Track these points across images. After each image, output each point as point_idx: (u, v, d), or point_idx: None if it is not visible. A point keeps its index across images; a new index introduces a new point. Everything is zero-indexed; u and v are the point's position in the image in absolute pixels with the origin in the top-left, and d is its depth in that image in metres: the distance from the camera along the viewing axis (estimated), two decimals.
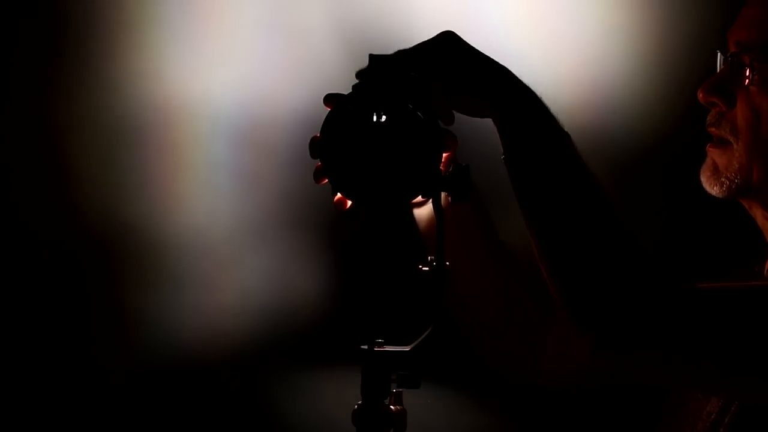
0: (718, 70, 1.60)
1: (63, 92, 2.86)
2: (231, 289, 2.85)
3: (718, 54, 1.60)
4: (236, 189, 2.85)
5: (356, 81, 1.49)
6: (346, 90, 1.50)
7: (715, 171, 1.60)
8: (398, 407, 1.49)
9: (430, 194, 1.50)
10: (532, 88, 1.49)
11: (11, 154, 2.86)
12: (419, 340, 1.53)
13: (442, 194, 1.48)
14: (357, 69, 1.48)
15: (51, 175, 2.86)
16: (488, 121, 1.57)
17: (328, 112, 1.49)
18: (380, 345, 1.50)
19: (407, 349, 1.52)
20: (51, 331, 2.87)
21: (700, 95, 1.61)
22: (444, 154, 1.49)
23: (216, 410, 2.86)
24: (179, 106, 2.86)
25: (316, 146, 1.47)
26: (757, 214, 1.61)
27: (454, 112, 1.49)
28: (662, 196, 2.81)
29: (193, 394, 2.86)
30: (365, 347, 1.48)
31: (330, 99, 1.48)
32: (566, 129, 1.50)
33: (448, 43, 1.46)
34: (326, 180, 1.53)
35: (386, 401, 1.49)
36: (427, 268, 1.52)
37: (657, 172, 2.81)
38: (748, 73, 1.55)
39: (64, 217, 2.86)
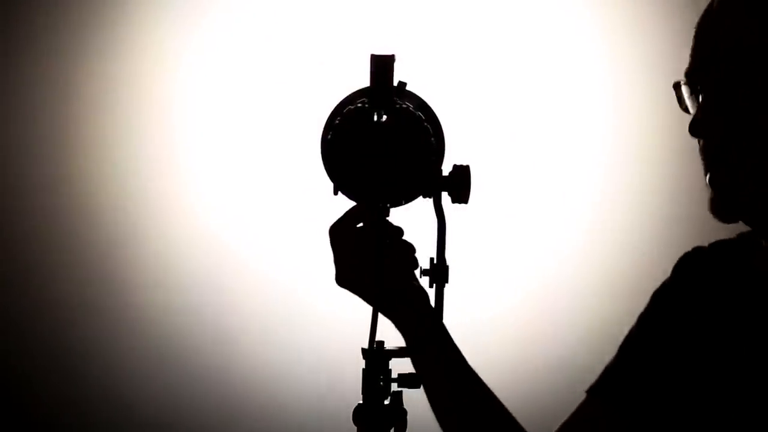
0: None
1: (65, 92, 2.85)
2: (231, 289, 2.85)
3: None
4: (239, 189, 2.85)
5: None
6: (346, 91, 1.51)
7: None
8: (398, 407, 1.49)
9: (430, 194, 1.50)
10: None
11: (12, 153, 2.86)
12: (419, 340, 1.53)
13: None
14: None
15: (55, 175, 2.86)
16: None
17: (329, 112, 1.50)
18: (380, 345, 1.50)
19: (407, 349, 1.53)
20: (52, 330, 2.87)
21: None
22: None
23: (216, 409, 2.86)
24: (181, 106, 2.86)
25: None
26: None
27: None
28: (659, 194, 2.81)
29: (192, 394, 2.86)
30: (365, 347, 1.48)
31: None
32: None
33: None
34: None
35: (386, 401, 1.49)
36: (427, 268, 1.52)
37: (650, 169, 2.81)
38: None
39: (64, 216, 2.86)
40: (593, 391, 1.67)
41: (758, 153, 1.46)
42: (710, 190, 1.50)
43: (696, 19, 1.54)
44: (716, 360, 1.56)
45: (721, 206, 1.50)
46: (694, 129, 1.50)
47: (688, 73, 1.53)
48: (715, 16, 1.51)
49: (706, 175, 1.50)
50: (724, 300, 1.59)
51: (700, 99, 1.50)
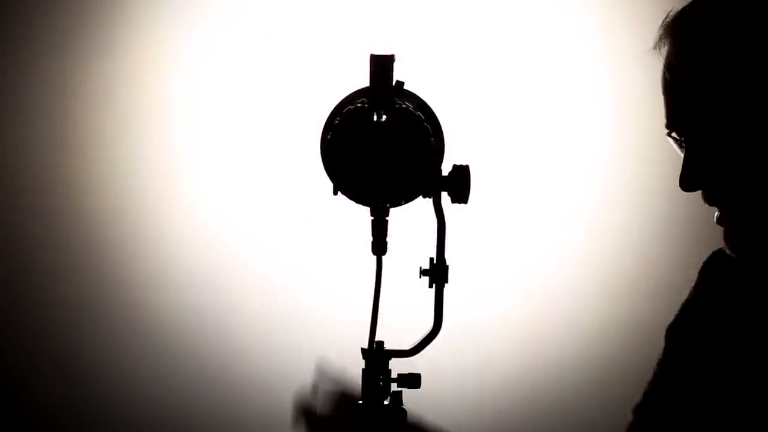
0: None
1: (63, 91, 2.85)
2: (230, 289, 2.85)
3: None
4: (238, 188, 2.85)
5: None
6: (346, 91, 1.51)
7: None
8: (398, 407, 1.50)
9: (430, 194, 1.50)
10: None
11: (13, 153, 2.86)
12: (419, 340, 1.53)
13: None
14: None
15: (53, 175, 2.86)
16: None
17: (329, 112, 1.50)
18: (380, 345, 1.50)
19: (407, 349, 1.53)
20: (50, 330, 2.87)
21: None
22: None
23: (215, 409, 2.86)
24: (180, 106, 2.86)
25: None
26: None
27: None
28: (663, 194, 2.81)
29: (192, 394, 2.86)
30: (365, 347, 1.49)
31: None
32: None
33: None
34: None
35: (386, 401, 1.49)
36: (427, 268, 1.52)
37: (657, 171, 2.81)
38: None
39: (62, 216, 2.86)
40: (638, 411, 1.67)
41: (755, 184, 1.46)
42: (723, 228, 1.50)
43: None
44: (753, 371, 1.55)
45: (734, 242, 1.50)
46: (684, 183, 1.50)
47: (667, 127, 1.53)
48: (677, 66, 1.50)
49: (714, 215, 1.51)
50: (754, 305, 1.58)
51: (684, 151, 1.51)
